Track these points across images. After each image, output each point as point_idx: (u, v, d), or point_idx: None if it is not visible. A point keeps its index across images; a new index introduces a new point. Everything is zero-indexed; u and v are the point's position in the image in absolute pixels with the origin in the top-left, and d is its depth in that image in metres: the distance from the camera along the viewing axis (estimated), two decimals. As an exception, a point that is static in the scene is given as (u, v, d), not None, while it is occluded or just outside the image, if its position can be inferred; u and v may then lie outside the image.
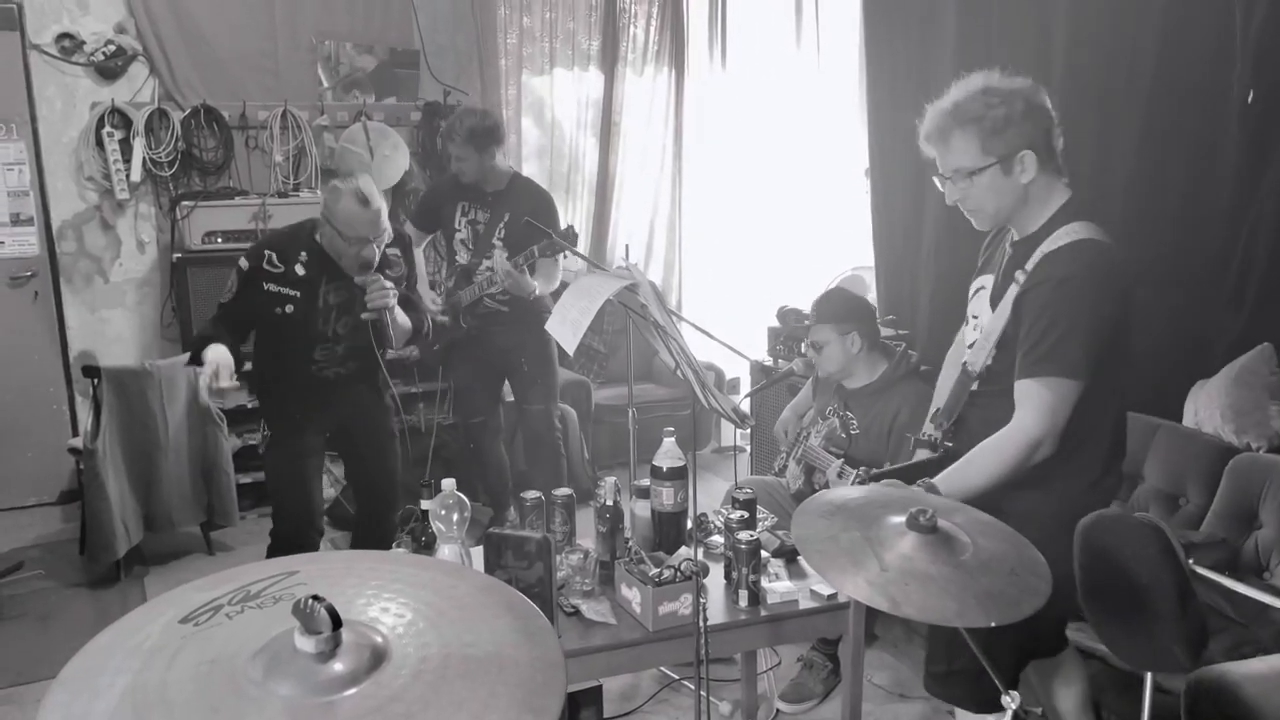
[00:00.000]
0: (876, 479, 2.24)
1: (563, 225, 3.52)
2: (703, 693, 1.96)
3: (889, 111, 4.00)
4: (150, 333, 4.95)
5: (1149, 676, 1.87)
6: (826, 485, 2.86)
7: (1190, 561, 1.80)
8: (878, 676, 3.09)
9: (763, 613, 2.13)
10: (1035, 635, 2.06)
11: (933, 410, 2.31)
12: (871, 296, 4.08)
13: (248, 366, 3.08)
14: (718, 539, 2.41)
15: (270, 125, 4.87)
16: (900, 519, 1.62)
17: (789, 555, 2.33)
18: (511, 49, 5.18)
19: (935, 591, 1.50)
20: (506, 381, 4.06)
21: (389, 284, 2.93)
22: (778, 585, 2.18)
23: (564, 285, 3.17)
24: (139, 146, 4.64)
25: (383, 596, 1.11)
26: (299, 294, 2.92)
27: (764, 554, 2.25)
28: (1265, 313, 2.79)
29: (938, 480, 2.01)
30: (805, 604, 2.17)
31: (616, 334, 5.28)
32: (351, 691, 0.96)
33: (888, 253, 4.20)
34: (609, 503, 2.29)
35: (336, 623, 0.97)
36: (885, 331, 3.43)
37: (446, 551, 2.04)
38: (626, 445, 2.97)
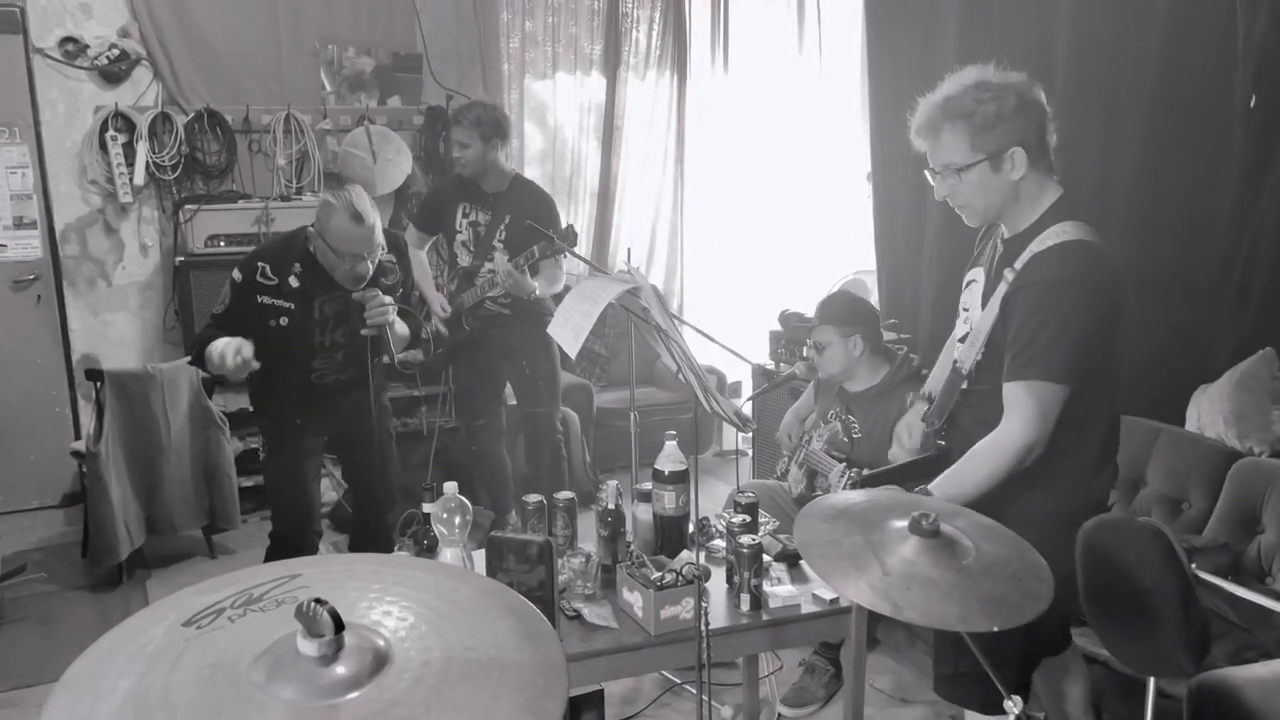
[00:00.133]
0: (870, 480, 2.24)
1: (563, 226, 3.52)
2: (704, 697, 1.96)
3: (891, 116, 4.00)
4: (153, 336, 4.95)
5: (1151, 681, 1.87)
6: (829, 489, 2.86)
7: (1193, 566, 1.80)
8: (880, 681, 3.09)
9: (765, 617, 2.13)
10: (1039, 636, 2.05)
11: (925, 409, 2.30)
12: (873, 300, 4.08)
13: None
14: (719, 543, 2.41)
15: (273, 129, 4.87)
16: (903, 523, 1.61)
17: (791, 559, 2.33)
18: (514, 53, 5.18)
19: (938, 596, 1.50)
20: (508, 384, 4.06)
21: (387, 299, 2.90)
22: (780, 589, 2.18)
23: (566, 288, 3.18)
24: (142, 150, 4.65)
25: (385, 600, 1.11)
26: (293, 306, 2.88)
27: (766, 558, 2.25)
28: (1268, 317, 2.79)
29: (932, 486, 2.01)
30: (807, 608, 2.17)
31: (618, 337, 5.27)
32: (354, 695, 0.96)
33: (889, 257, 4.20)
34: (611, 506, 2.28)
35: (339, 626, 0.97)
36: (887, 335, 3.42)
37: (448, 555, 2.04)
38: (628, 449, 2.97)
